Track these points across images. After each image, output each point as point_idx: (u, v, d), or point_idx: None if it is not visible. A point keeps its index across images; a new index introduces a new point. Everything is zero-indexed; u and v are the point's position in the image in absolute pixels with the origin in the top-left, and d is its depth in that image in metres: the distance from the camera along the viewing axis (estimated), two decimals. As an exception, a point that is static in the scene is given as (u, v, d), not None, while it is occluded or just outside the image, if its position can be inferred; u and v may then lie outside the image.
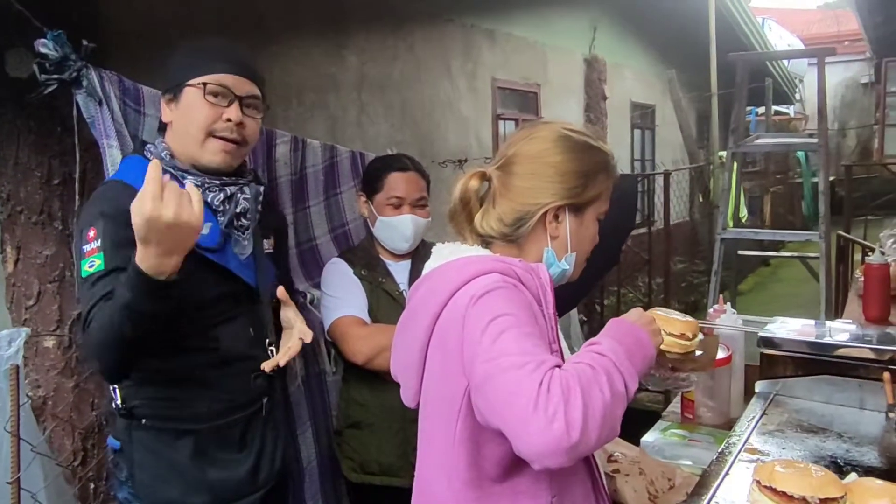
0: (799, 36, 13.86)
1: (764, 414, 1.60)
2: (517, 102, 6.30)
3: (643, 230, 5.83)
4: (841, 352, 1.67)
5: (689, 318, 1.29)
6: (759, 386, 1.74)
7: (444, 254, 1.27)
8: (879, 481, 1.16)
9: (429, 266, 1.28)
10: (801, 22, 17.17)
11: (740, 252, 5.38)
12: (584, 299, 4.79)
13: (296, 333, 1.67)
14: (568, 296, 2.28)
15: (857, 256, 4.49)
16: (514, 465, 1.12)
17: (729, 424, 1.79)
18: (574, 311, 4.39)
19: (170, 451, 1.56)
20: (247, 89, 1.58)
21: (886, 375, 1.56)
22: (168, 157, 1.57)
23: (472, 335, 1.06)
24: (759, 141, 4.51)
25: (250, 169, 1.74)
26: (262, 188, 1.69)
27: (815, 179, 11.30)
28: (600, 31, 7.44)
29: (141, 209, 1.23)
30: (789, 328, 1.81)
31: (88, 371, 2.29)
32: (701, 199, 8.54)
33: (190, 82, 1.53)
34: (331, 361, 2.30)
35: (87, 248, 1.45)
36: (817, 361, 1.68)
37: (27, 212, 2.24)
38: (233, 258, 1.60)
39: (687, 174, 8.17)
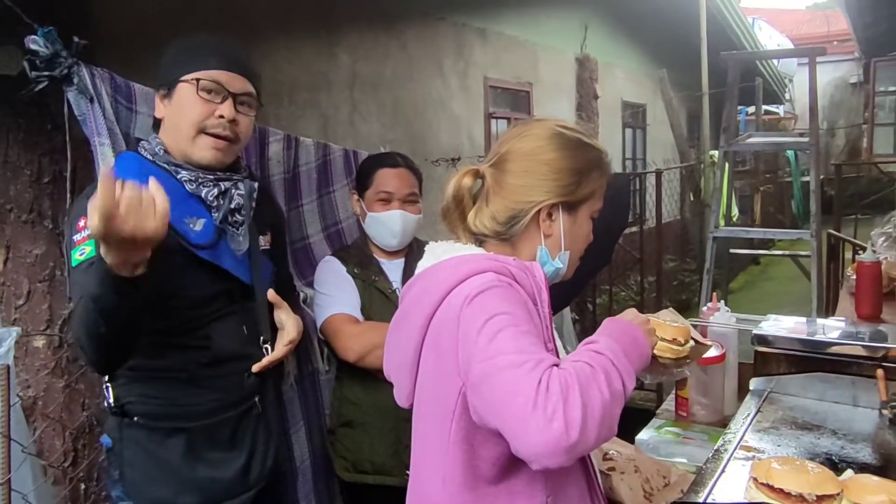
0: (788, 36, 13.91)
1: (758, 411, 1.61)
2: (509, 101, 6.31)
3: (635, 229, 5.84)
4: (834, 349, 1.68)
5: (680, 324, 1.27)
6: (754, 383, 1.74)
7: (438, 252, 1.26)
8: (876, 478, 1.16)
9: (422, 265, 1.27)
10: (791, 22, 17.25)
11: (732, 250, 5.39)
12: (576, 298, 4.79)
13: (285, 336, 1.67)
14: (561, 294, 2.28)
15: (848, 255, 4.52)
16: (510, 465, 1.12)
17: (723, 422, 1.80)
18: (567, 310, 4.39)
19: (161, 450, 1.55)
20: (240, 86, 1.57)
21: (880, 372, 1.57)
22: (162, 152, 1.56)
23: (468, 335, 1.05)
24: (752, 140, 4.51)
25: (245, 165, 1.73)
26: (255, 184, 1.68)
27: (805, 178, 11.41)
28: (591, 31, 7.45)
29: (92, 226, 1.16)
30: (782, 326, 1.81)
31: (79, 371, 2.28)
32: (692, 198, 8.57)
33: (183, 78, 1.52)
34: (324, 360, 2.29)
35: (77, 237, 1.43)
36: (811, 359, 1.69)
37: (17, 210, 2.22)
38: (227, 255, 1.58)
39: (678, 173, 8.20)
